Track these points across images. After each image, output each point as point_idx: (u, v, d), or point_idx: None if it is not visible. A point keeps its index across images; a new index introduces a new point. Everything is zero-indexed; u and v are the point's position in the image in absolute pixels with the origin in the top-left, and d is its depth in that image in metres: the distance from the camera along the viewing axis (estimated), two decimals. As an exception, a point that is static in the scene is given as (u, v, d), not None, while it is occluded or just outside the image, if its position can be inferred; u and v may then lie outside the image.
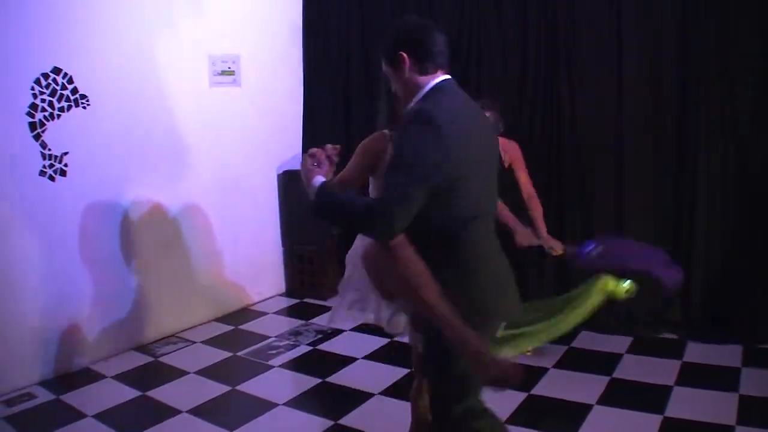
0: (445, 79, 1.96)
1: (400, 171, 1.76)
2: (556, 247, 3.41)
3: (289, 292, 5.30)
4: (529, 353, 3.81)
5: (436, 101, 1.87)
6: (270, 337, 4.34)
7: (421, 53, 1.93)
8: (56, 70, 3.66)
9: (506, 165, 3.49)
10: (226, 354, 4.08)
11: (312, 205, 1.88)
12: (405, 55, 1.92)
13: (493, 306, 1.96)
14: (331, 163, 2.04)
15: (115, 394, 3.54)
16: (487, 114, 3.67)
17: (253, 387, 3.60)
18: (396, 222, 1.74)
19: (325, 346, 4.15)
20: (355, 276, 2.49)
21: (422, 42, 1.94)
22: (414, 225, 1.78)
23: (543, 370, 3.61)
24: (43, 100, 3.61)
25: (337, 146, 2.14)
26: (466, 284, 1.89)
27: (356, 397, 3.41)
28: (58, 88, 3.68)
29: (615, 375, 3.51)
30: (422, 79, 1.94)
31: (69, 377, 3.74)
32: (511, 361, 1.84)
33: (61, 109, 3.71)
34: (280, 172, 5.26)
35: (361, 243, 2.42)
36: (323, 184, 1.90)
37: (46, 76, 3.62)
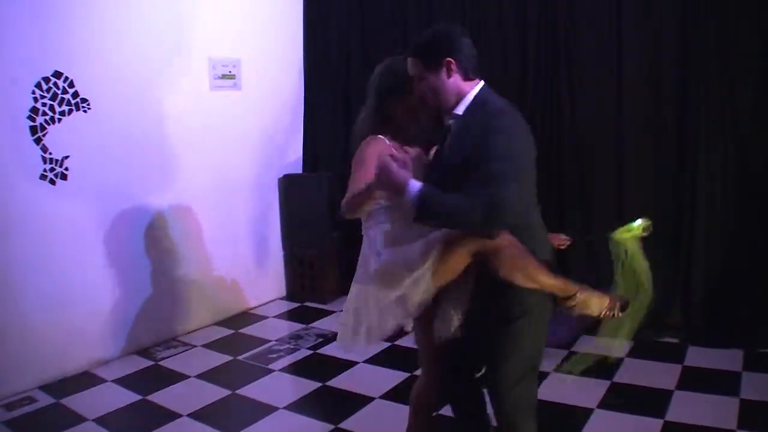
0: (485, 85, 2.08)
1: (506, 164, 1.82)
2: (563, 241, 3.39)
3: (289, 296, 5.30)
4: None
5: (495, 102, 1.99)
6: (270, 341, 4.34)
7: (465, 60, 2.04)
8: (57, 74, 3.67)
9: None
10: (227, 358, 4.08)
11: (417, 208, 1.86)
12: (452, 61, 2.01)
13: None
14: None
15: (116, 398, 3.54)
16: None
17: (254, 391, 3.60)
18: (512, 213, 1.82)
19: (325, 350, 4.15)
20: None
21: (464, 49, 2.05)
22: None
23: (544, 375, 3.59)
24: (44, 104, 3.62)
25: (419, 149, 2.22)
26: None
27: (356, 401, 3.40)
28: (58, 92, 3.69)
29: (615, 379, 3.50)
30: (466, 84, 2.05)
31: (69, 381, 3.74)
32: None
33: (62, 113, 3.72)
34: (281, 175, 5.26)
35: (372, 258, 2.27)
36: (425, 185, 1.89)
37: (47, 80, 3.63)
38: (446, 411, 2.59)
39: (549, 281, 1.98)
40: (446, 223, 1.92)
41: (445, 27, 2.14)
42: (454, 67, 2.01)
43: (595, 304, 2.03)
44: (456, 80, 2.03)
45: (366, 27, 5.14)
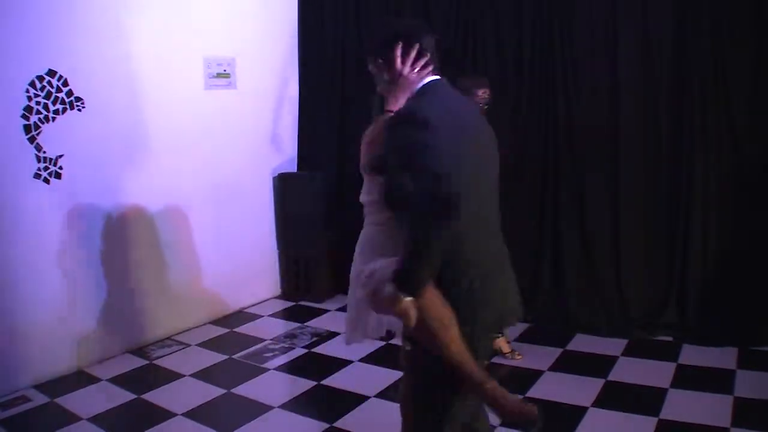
0: (436, 79, 1.95)
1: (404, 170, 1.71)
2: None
3: (284, 295, 5.29)
4: (519, 357, 3.80)
5: (428, 100, 1.86)
6: (265, 340, 4.33)
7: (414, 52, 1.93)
8: (51, 73, 3.66)
9: None
10: (222, 357, 4.07)
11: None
12: (397, 51, 1.91)
13: None
14: None
15: (110, 397, 3.53)
16: (481, 92, 3.51)
17: (249, 390, 3.59)
18: None
19: (320, 349, 4.15)
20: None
21: (414, 40, 1.93)
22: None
23: (538, 373, 3.61)
24: (38, 103, 3.61)
25: None
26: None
27: (352, 400, 3.40)
28: (53, 90, 3.67)
29: (610, 378, 3.51)
30: (414, 77, 1.93)
31: (64, 380, 3.73)
32: (524, 402, 1.85)
33: (56, 112, 3.71)
34: (275, 174, 5.26)
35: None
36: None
37: (41, 78, 3.61)
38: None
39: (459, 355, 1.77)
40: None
41: (393, 19, 2.11)
42: (397, 57, 1.95)
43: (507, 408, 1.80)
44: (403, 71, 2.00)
45: (362, 25, 5.14)
